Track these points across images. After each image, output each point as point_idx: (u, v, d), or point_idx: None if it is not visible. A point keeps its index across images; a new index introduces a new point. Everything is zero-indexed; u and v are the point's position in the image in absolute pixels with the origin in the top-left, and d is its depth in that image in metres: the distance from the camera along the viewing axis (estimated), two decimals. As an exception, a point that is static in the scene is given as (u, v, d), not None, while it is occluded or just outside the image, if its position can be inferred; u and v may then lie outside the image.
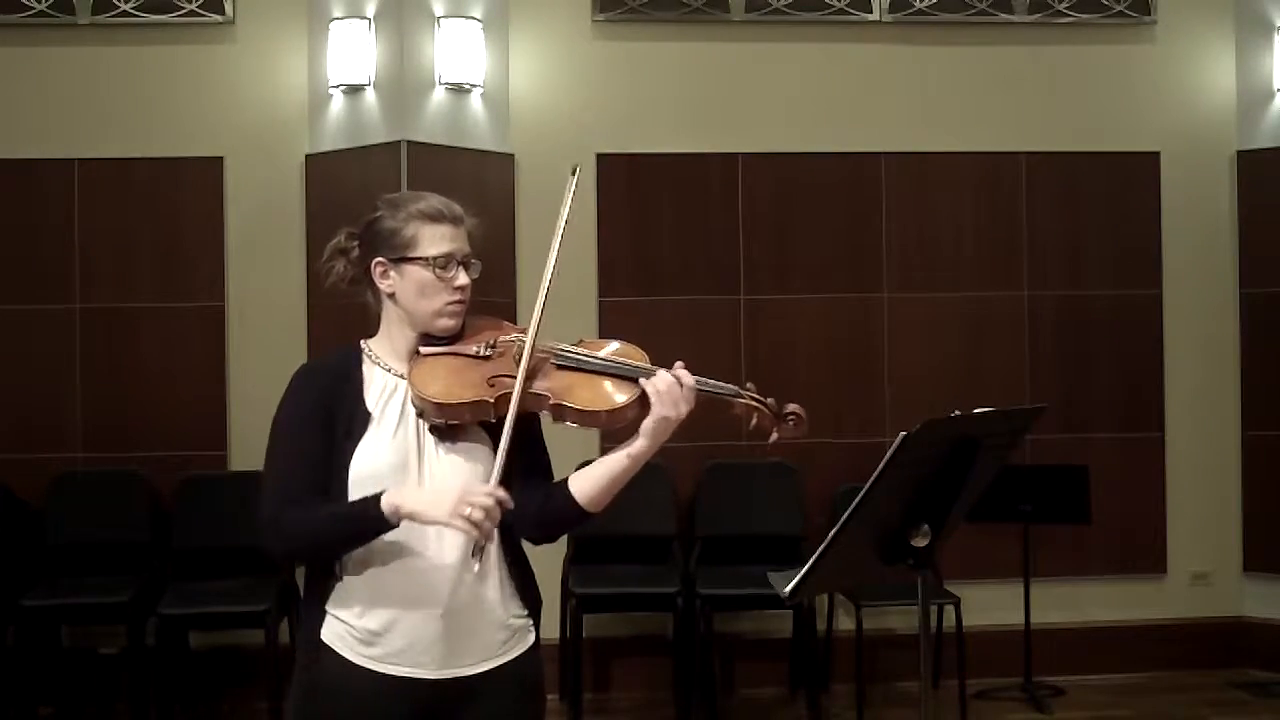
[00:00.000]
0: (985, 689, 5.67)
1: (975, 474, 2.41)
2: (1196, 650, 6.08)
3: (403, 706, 2.37)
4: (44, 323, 5.71)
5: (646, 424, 2.38)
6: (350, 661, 2.37)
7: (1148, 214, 6.16)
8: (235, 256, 5.76)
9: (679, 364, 2.43)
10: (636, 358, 2.46)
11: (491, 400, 2.35)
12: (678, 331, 5.91)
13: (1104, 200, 6.14)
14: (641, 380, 2.39)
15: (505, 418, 2.33)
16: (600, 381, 2.41)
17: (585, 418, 2.38)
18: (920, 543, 2.40)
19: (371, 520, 2.27)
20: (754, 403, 2.44)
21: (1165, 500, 6.13)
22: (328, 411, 2.40)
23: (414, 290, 2.44)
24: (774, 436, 2.45)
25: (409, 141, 5.50)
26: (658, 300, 5.93)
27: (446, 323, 2.45)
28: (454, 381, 2.37)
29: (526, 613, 2.52)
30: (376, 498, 2.27)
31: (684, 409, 2.39)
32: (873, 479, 2.27)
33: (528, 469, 2.43)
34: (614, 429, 2.42)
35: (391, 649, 2.35)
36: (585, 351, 2.45)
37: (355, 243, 2.50)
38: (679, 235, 5.96)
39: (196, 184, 5.76)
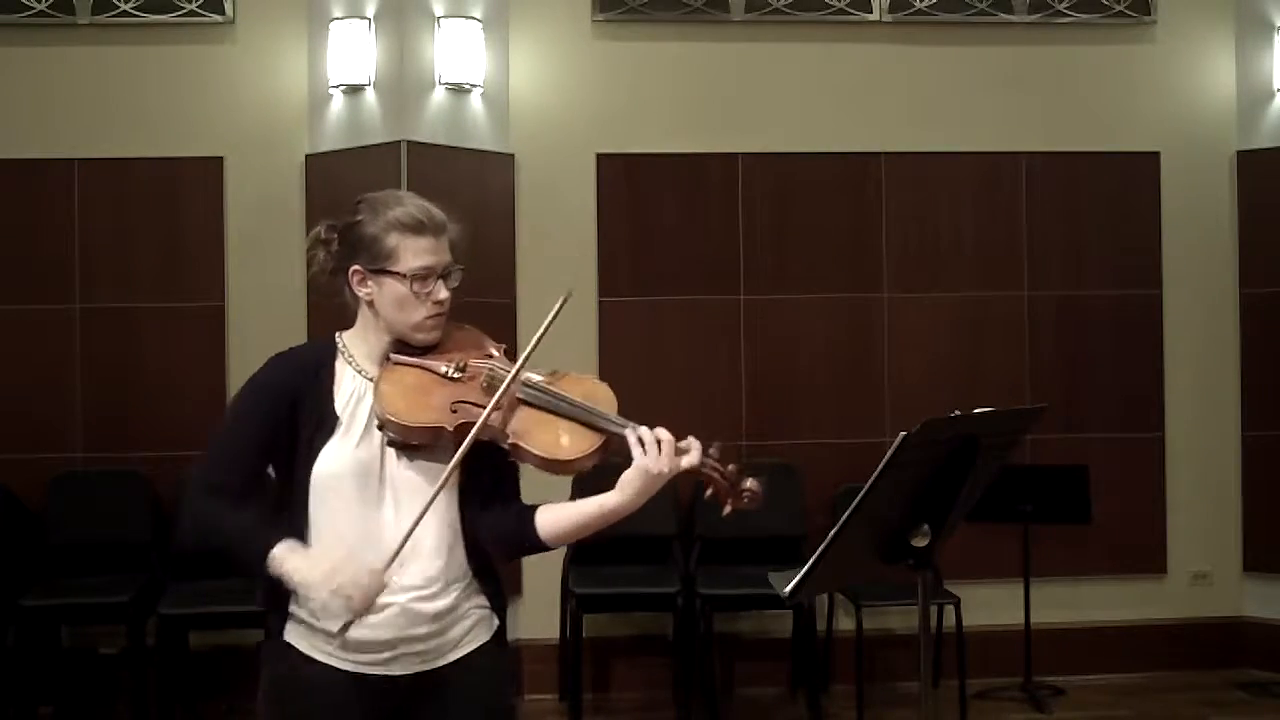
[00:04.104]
0: (985, 689, 5.67)
1: (975, 474, 2.40)
2: (1196, 650, 6.08)
3: (370, 703, 2.38)
4: (44, 323, 5.71)
5: (630, 478, 2.34)
6: (316, 660, 2.38)
7: (1148, 214, 6.15)
8: (235, 256, 5.76)
9: (660, 429, 2.37)
10: (606, 404, 2.40)
11: (450, 428, 2.32)
12: (678, 331, 5.92)
13: (1104, 200, 6.14)
14: (630, 431, 2.34)
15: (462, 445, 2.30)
16: (563, 426, 2.36)
17: (542, 463, 2.34)
18: (920, 543, 2.40)
19: (258, 561, 2.32)
20: (712, 471, 2.38)
21: (1165, 500, 6.13)
22: (292, 403, 2.39)
23: (391, 303, 2.40)
24: (727, 509, 2.40)
25: (409, 141, 5.50)
26: (658, 300, 5.93)
27: (423, 337, 2.42)
28: (417, 401, 2.33)
29: (488, 604, 2.48)
30: (274, 543, 2.31)
31: (668, 469, 2.34)
32: (873, 479, 2.26)
33: (490, 491, 2.41)
34: (570, 475, 2.39)
35: (354, 648, 2.35)
36: (555, 390, 2.39)
37: (335, 236, 2.47)
38: (679, 235, 5.96)
39: (196, 184, 5.76)
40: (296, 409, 2.39)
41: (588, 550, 5.58)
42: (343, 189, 5.54)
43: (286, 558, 2.30)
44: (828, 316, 6.00)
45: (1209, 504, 6.16)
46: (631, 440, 2.33)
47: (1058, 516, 5.63)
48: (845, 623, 5.78)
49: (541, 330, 2.38)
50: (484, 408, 2.31)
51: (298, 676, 2.38)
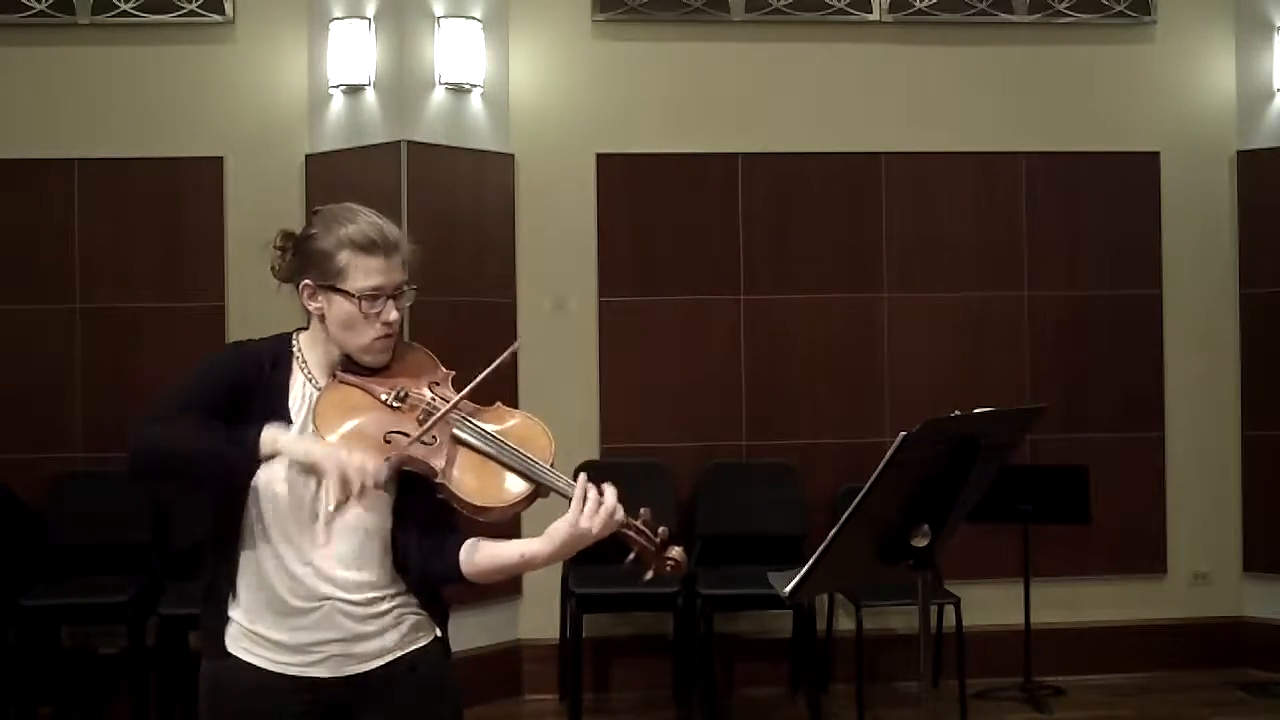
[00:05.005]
0: (985, 689, 5.67)
1: (975, 474, 2.41)
2: (1196, 650, 6.08)
3: (304, 705, 2.37)
4: (44, 323, 5.71)
5: (559, 530, 2.30)
6: (251, 664, 2.37)
7: (1148, 214, 6.16)
8: (235, 256, 5.75)
9: (606, 485, 2.32)
10: (541, 446, 2.35)
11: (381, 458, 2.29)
12: (678, 331, 5.92)
13: (1104, 200, 6.14)
14: (570, 488, 2.29)
15: (401, 468, 2.30)
16: (493, 471, 2.32)
17: (466, 507, 2.30)
18: (920, 543, 2.40)
19: (242, 446, 2.23)
20: (638, 535, 2.32)
21: (1165, 500, 6.13)
22: (245, 394, 2.36)
23: (340, 321, 2.38)
24: (649, 574, 2.35)
25: (409, 141, 5.50)
26: (658, 300, 5.93)
27: (371, 359, 2.39)
28: (351, 429, 2.30)
29: (425, 612, 2.46)
30: (257, 433, 2.24)
31: (597, 530, 2.29)
32: (873, 479, 2.27)
33: (424, 520, 2.38)
34: (494, 522, 2.34)
35: (288, 651, 2.36)
36: (490, 432, 2.34)
37: (289, 245, 2.46)
38: (679, 235, 5.96)
39: (196, 184, 5.77)
40: (246, 400, 2.36)
41: (588, 550, 5.57)
42: (343, 189, 5.55)
43: (279, 435, 2.26)
44: (828, 316, 6.00)
45: (1209, 504, 6.16)
46: (575, 495, 2.29)
47: (1058, 516, 5.63)
48: (845, 623, 5.78)
49: (481, 376, 2.34)
50: (416, 441, 2.28)
51: (234, 680, 2.38)
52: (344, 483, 2.19)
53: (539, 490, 2.33)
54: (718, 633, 5.53)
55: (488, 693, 5.54)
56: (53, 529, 5.52)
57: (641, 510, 2.33)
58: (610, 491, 2.31)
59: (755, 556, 5.52)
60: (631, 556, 2.34)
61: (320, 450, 2.24)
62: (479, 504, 2.30)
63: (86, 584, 5.36)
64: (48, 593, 5.29)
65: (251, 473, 2.29)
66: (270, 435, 2.26)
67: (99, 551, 5.48)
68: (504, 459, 2.32)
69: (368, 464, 2.21)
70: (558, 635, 5.69)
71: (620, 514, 2.31)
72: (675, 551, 2.34)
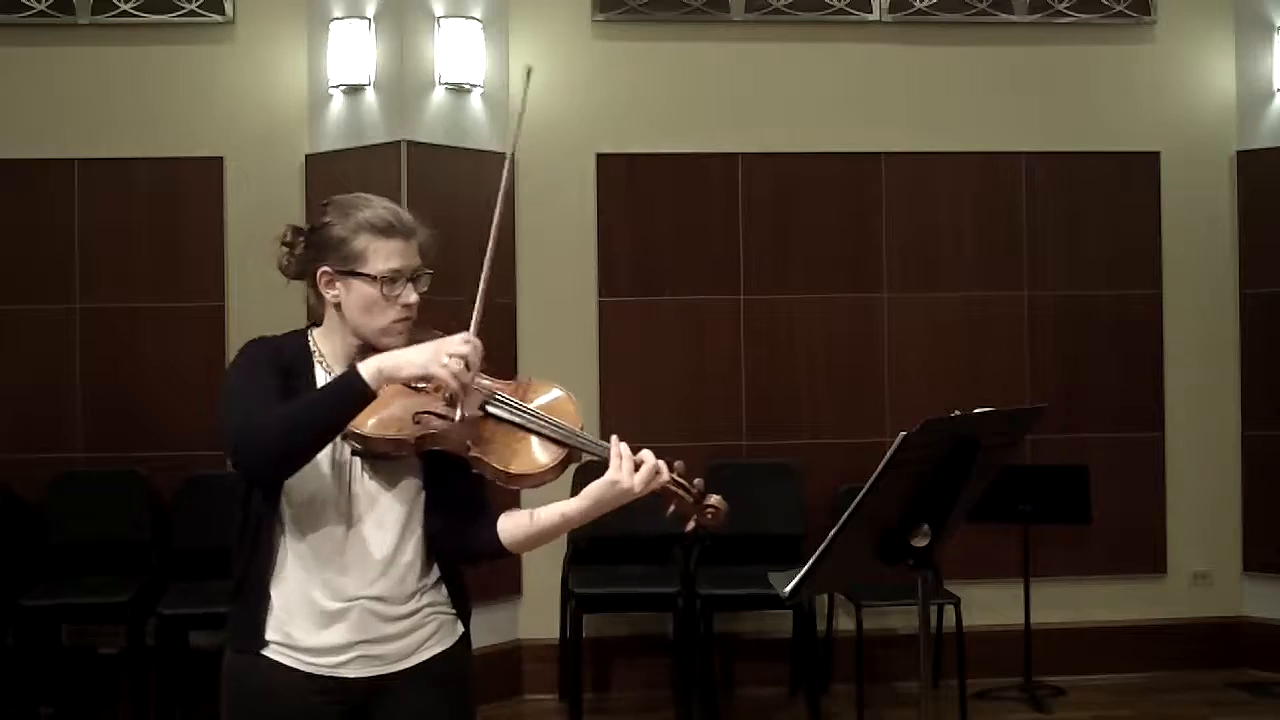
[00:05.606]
0: (985, 689, 5.67)
1: (975, 474, 2.41)
2: (1196, 650, 6.08)
3: (328, 704, 2.37)
4: (44, 323, 5.71)
5: (596, 490, 2.31)
6: (278, 663, 2.37)
7: (1148, 214, 6.16)
8: (235, 256, 5.76)
9: (644, 450, 2.33)
10: (571, 417, 2.37)
11: (412, 440, 2.30)
12: (678, 331, 5.92)
13: (1104, 200, 6.14)
14: (610, 449, 2.31)
15: (427, 452, 2.31)
16: (524, 439, 2.34)
17: (500, 476, 2.32)
18: (920, 543, 2.40)
19: (353, 387, 2.20)
20: (675, 487, 2.32)
21: (1165, 500, 6.13)
22: (288, 377, 2.36)
23: (359, 305, 2.38)
24: (690, 525, 2.35)
25: (409, 141, 5.50)
26: (658, 300, 5.93)
27: (390, 341, 2.38)
28: (379, 411, 2.29)
29: (453, 611, 2.48)
30: (352, 368, 2.23)
31: (639, 488, 2.30)
32: (872, 479, 2.27)
33: (457, 500, 2.40)
34: (530, 488, 2.36)
35: (317, 652, 2.36)
36: (518, 403, 2.36)
37: (300, 239, 2.45)
38: (679, 235, 5.96)
39: (196, 184, 5.77)
40: (289, 384, 2.35)
41: (588, 550, 5.59)
42: (343, 189, 5.51)
43: (372, 358, 2.24)
44: (828, 316, 6.00)
45: (1209, 504, 6.16)
46: (612, 455, 2.31)
47: (1058, 516, 5.63)
48: (845, 623, 5.78)
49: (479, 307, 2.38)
50: (446, 419, 2.29)
51: (260, 678, 2.38)
52: (460, 384, 2.21)
53: (571, 455, 2.35)
54: (718, 633, 5.54)
55: (488, 693, 5.53)
56: (53, 529, 5.52)
57: (676, 463, 2.35)
58: (649, 453, 2.32)
59: (755, 556, 5.51)
60: (671, 509, 2.34)
61: (419, 356, 2.23)
62: (514, 472, 2.31)
63: (86, 584, 5.37)
64: (48, 593, 5.29)
65: (361, 408, 2.23)
66: (370, 368, 2.22)
67: (99, 551, 5.48)
68: (534, 427, 2.34)
69: (463, 350, 2.22)
70: (558, 635, 5.69)
71: (665, 473, 2.31)
72: (714, 499, 2.35)
